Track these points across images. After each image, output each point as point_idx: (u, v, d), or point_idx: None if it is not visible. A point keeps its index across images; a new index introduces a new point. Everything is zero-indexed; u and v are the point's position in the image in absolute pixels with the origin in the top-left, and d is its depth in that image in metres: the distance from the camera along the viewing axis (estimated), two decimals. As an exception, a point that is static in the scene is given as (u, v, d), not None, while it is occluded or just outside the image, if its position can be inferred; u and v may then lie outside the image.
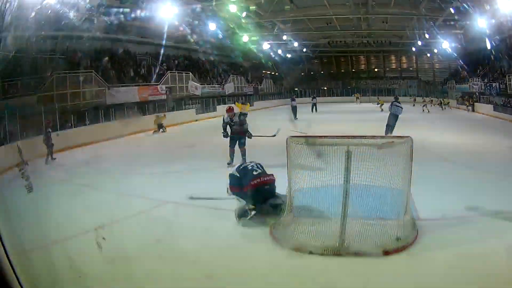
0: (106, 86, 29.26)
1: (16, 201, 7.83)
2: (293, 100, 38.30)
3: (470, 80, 48.54)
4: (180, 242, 7.70)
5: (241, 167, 9.45)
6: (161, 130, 28.91)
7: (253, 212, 8.47)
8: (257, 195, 8.83)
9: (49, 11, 17.88)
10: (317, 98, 45.25)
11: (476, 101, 43.58)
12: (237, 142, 14.72)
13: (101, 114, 26.92)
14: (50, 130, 18.84)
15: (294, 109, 35.64)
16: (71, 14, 21.41)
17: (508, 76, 38.33)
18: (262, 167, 9.39)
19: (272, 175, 9.26)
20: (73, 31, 24.27)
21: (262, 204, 8.88)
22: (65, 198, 10.75)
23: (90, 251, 6.78)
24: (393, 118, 20.71)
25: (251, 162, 9.67)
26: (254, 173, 9.07)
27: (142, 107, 32.61)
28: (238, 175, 9.28)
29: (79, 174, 14.15)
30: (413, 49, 59.50)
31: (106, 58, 31.16)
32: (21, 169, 6.99)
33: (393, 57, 70.87)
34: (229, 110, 15.02)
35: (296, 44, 55.77)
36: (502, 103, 37.48)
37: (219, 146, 17.55)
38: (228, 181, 9.56)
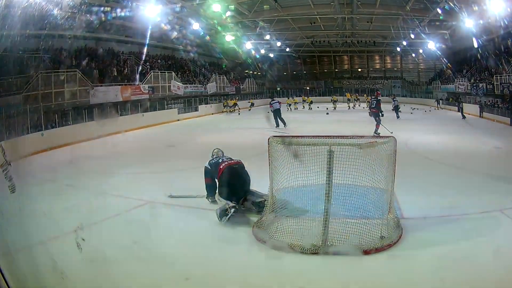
0: (90, 85, 29.10)
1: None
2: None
3: (456, 80, 48.80)
4: (158, 243, 7.66)
5: (213, 161, 9.87)
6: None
7: (232, 210, 8.42)
8: (229, 175, 9.23)
9: (35, 10, 17.78)
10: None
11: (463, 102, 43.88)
12: None
13: (84, 113, 26.75)
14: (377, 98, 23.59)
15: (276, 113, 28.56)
16: (56, 12, 21.30)
17: (495, 76, 38.60)
18: (231, 159, 9.81)
19: (239, 160, 9.78)
20: (58, 30, 24.13)
21: (236, 186, 9.21)
22: (48, 198, 10.63)
23: (72, 252, 6.76)
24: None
25: (223, 156, 10.18)
26: (221, 161, 9.62)
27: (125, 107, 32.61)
28: (210, 167, 9.75)
29: (62, 174, 14.04)
30: (398, 49, 59.52)
31: (86, 60, 30.97)
32: (4, 170, 6.93)
33: (377, 57, 70.96)
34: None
35: (279, 43, 55.67)
36: (490, 103, 37.77)
37: (199, 145, 17.61)
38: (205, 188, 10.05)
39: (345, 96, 53.39)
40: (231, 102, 47.94)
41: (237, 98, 50.65)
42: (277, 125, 27.27)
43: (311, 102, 51.67)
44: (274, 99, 29.88)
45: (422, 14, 40.35)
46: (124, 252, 7.17)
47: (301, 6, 43.46)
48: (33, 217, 8.38)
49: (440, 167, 14.63)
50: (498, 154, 16.73)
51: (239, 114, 43.73)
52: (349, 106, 50.17)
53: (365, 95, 54.15)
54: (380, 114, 22.79)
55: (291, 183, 8.12)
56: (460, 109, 35.78)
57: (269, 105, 29.14)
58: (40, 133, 21.07)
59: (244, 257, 7.10)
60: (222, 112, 45.87)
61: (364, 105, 47.84)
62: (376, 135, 20.53)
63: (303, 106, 50.98)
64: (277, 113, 27.73)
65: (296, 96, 57.80)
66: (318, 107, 49.31)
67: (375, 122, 22.28)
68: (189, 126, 32.26)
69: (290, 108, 47.43)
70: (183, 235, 8.15)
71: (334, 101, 49.34)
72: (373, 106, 23.30)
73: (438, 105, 50.06)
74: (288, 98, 53.09)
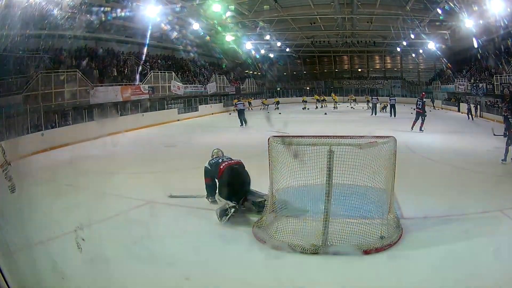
0: (90, 85, 29.06)
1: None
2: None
3: (456, 80, 48.76)
4: (158, 243, 7.67)
5: (213, 161, 9.85)
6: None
7: (232, 210, 8.42)
8: (229, 175, 9.25)
9: (35, 10, 17.76)
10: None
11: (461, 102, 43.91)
12: None
13: (84, 113, 26.74)
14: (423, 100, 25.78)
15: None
16: (56, 12, 21.27)
17: (495, 76, 38.57)
18: (231, 159, 9.81)
19: (239, 160, 9.78)
20: (58, 30, 24.10)
21: (236, 186, 9.23)
22: (49, 198, 10.62)
23: (72, 252, 6.76)
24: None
25: (223, 156, 10.16)
26: (222, 161, 9.62)
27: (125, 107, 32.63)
28: (210, 168, 9.73)
29: (62, 174, 14.05)
30: (398, 49, 59.43)
31: (86, 60, 30.92)
32: (4, 170, 6.92)
33: (377, 57, 70.77)
34: None
35: (279, 43, 55.63)
36: (490, 103, 37.75)
37: (199, 145, 17.60)
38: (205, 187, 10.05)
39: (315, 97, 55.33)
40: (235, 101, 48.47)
41: (240, 97, 51.55)
42: (241, 124, 30.06)
43: (277, 102, 53.35)
44: (240, 100, 33.92)
45: (422, 14, 40.32)
46: (124, 252, 7.18)
47: (301, 6, 43.43)
48: (33, 217, 8.37)
49: (440, 167, 14.66)
50: (498, 154, 16.70)
51: (230, 114, 43.88)
52: (316, 106, 51.51)
53: (333, 94, 55.72)
54: (424, 114, 24.98)
55: (291, 183, 8.11)
56: (468, 111, 35.74)
57: (234, 106, 33.92)
58: (40, 133, 21.07)
59: (244, 257, 7.10)
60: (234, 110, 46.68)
61: (331, 105, 50.02)
62: (421, 131, 24.06)
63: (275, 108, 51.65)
64: (240, 113, 30.78)
65: (297, 96, 58.21)
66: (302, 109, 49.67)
67: (420, 121, 24.66)
68: (189, 126, 32.28)
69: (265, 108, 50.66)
70: (183, 235, 8.16)
71: (304, 101, 51.91)
72: (419, 106, 25.15)
73: (433, 104, 50.31)
74: (265, 99, 55.93)
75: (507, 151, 14.88)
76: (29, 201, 9.08)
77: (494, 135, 16.56)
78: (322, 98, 53.30)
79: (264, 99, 55.78)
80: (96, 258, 6.72)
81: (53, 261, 6.32)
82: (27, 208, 8.23)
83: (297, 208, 8.31)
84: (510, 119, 15.10)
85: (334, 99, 51.32)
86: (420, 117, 24.88)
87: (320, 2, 42.49)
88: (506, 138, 14.97)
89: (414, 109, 26.75)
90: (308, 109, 49.15)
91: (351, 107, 49.42)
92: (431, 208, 9.12)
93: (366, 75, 71.11)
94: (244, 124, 30.10)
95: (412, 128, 24.53)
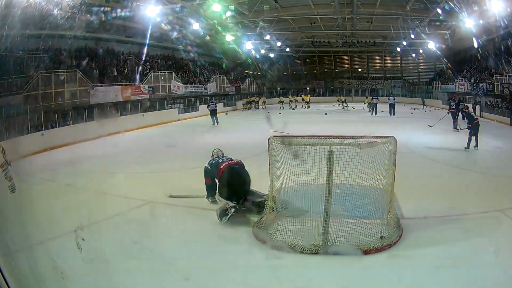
0: (90, 85, 29.02)
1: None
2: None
3: (456, 80, 48.69)
4: (158, 243, 7.68)
5: (213, 161, 9.83)
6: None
7: (233, 210, 8.42)
8: (229, 175, 9.22)
9: (35, 10, 17.75)
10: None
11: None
12: None
13: (84, 113, 26.73)
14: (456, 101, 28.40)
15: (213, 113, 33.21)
16: (56, 12, 21.26)
17: (495, 76, 38.52)
18: (231, 159, 9.78)
19: (239, 160, 9.75)
20: (58, 30, 24.08)
21: (236, 186, 9.21)
22: (49, 198, 10.65)
23: (72, 252, 6.75)
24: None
25: (223, 156, 10.13)
26: (222, 161, 9.59)
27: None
28: (210, 168, 9.71)
29: (62, 174, 14.05)
30: (398, 49, 59.24)
31: (86, 60, 30.87)
32: (4, 170, 6.90)
33: (377, 57, 70.58)
34: None
35: (279, 43, 55.51)
36: (490, 103, 37.70)
37: (199, 145, 17.57)
38: (205, 186, 10.04)
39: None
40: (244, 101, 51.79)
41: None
42: (213, 123, 31.85)
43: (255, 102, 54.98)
44: (212, 101, 35.20)
45: (422, 14, 40.27)
46: (124, 252, 7.18)
47: (301, 6, 43.34)
48: (33, 217, 8.37)
49: (440, 167, 14.64)
50: (498, 154, 16.73)
51: (226, 114, 43.87)
52: (290, 106, 52.25)
53: (303, 95, 56.54)
54: (457, 114, 26.12)
55: (291, 183, 8.10)
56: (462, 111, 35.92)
57: (207, 106, 34.81)
58: (40, 133, 21.05)
59: (244, 257, 7.11)
60: (243, 109, 49.02)
61: (300, 106, 51.78)
62: (457, 130, 24.54)
63: (258, 107, 53.29)
64: (213, 113, 32.59)
65: (297, 95, 58.28)
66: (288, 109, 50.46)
67: (452, 120, 25.80)
68: (189, 126, 32.29)
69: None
70: (183, 235, 8.17)
71: (281, 102, 53.22)
72: (453, 107, 27.15)
73: (424, 104, 50.38)
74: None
75: (469, 140, 17.32)
76: (29, 201, 9.07)
77: (460, 129, 17.39)
78: (295, 99, 54.86)
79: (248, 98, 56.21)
80: (96, 258, 6.73)
81: (53, 261, 6.31)
82: (27, 208, 8.23)
83: (297, 208, 8.29)
84: (471, 114, 17.93)
85: (304, 100, 52.54)
86: (455, 116, 25.91)
87: (320, 2, 42.39)
88: (470, 130, 17.20)
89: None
90: (293, 108, 50.39)
91: (343, 108, 48.42)
92: (431, 208, 9.11)
93: (366, 75, 70.97)
94: (216, 124, 31.80)
95: (457, 128, 24.87)
